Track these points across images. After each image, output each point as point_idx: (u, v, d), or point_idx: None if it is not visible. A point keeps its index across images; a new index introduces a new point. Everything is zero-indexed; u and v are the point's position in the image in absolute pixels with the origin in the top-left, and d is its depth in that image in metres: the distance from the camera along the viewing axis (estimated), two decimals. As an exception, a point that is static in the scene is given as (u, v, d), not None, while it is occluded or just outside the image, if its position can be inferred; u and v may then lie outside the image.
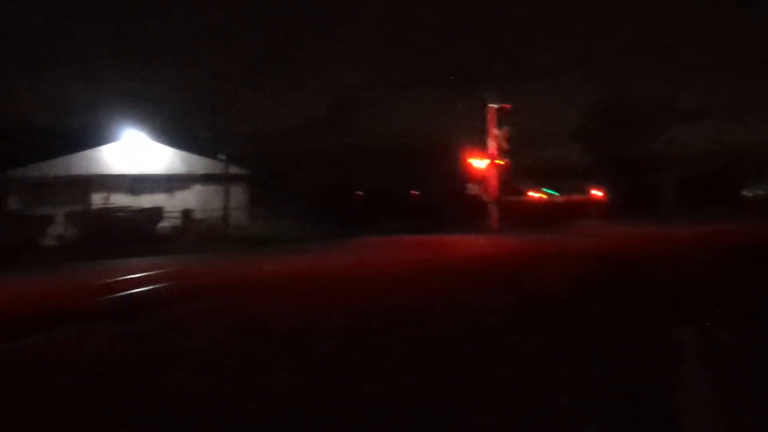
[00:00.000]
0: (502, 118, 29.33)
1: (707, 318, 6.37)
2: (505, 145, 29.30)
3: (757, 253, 13.47)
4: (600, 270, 11.01)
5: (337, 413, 4.10)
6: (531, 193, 40.99)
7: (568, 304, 7.69)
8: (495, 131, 29.25)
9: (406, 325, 6.69)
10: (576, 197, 42.60)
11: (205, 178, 33.33)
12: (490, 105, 29.28)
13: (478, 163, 29.79)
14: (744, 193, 49.36)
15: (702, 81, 45.14)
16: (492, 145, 29.25)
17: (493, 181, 29.21)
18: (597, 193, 39.28)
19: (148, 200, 30.26)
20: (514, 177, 30.83)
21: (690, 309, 6.95)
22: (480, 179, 29.73)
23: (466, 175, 30.39)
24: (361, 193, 43.46)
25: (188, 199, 32.83)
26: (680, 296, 7.98)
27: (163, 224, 27.17)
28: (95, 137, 33.33)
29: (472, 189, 29.65)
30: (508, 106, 29.40)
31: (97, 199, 29.61)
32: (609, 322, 6.46)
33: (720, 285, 8.83)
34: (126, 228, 23.68)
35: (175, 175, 33.11)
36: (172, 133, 35.15)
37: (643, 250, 14.91)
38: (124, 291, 10.34)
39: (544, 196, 44.32)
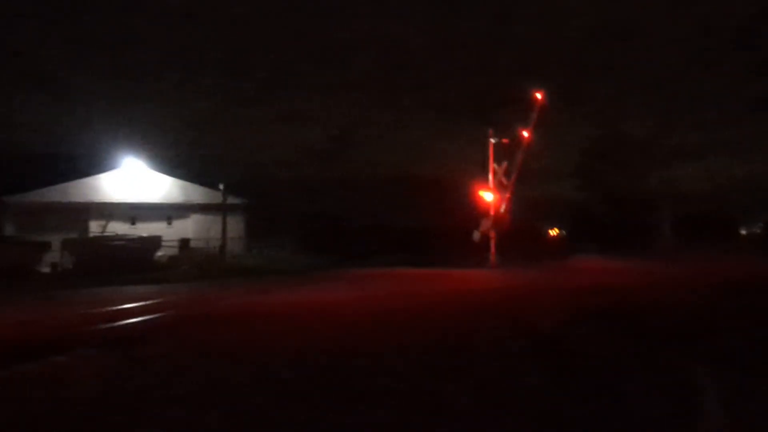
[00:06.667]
0: (502, 153, 29.51)
1: (722, 360, 6.27)
2: (504, 180, 29.42)
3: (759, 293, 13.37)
4: (604, 306, 10.92)
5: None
6: (531, 229, 41.01)
7: (574, 343, 7.59)
8: (494, 166, 29.41)
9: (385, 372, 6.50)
10: (573, 232, 42.69)
11: (203, 208, 33.35)
12: (490, 140, 29.48)
13: (488, 196, 29.67)
14: (741, 231, 49.55)
15: (698, 119, 45.64)
16: (492, 179, 29.37)
17: (493, 215, 29.21)
18: (594, 228, 39.38)
19: (145, 228, 30.20)
20: (514, 211, 30.83)
21: (702, 349, 6.86)
22: (483, 213, 29.75)
23: (474, 208, 30.30)
24: (356, 223, 43.38)
25: (186, 228, 32.80)
26: (690, 336, 7.88)
27: (161, 253, 27.04)
28: (95, 165, 33.46)
29: (476, 236, 29.48)
30: (506, 140, 29.61)
31: (95, 227, 29.55)
32: (621, 363, 6.35)
33: (728, 325, 8.73)
34: (123, 256, 23.54)
35: (173, 204, 33.14)
36: (171, 162, 35.30)
37: (646, 287, 14.81)
38: (119, 321, 10.23)
39: (552, 232, 44.44)
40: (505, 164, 29.44)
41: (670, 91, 47.76)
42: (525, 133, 29.53)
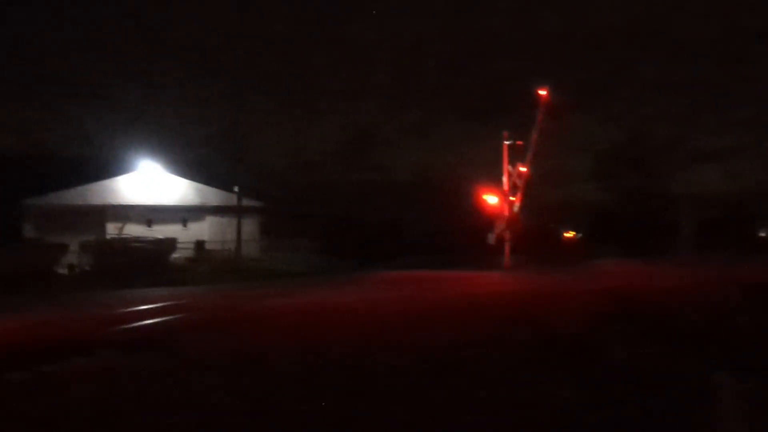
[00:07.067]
0: (516, 155, 29.36)
1: (741, 364, 6.15)
2: (518, 182, 29.26)
3: None
4: (622, 311, 10.78)
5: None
6: (547, 231, 40.71)
7: (594, 349, 7.48)
8: (508, 168, 29.27)
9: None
10: (592, 235, 42.36)
11: (219, 210, 33.42)
12: (504, 142, 29.34)
13: (491, 199, 29.66)
14: (760, 233, 48.83)
15: (718, 121, 45.21)
16: (506, 181, 29.25)
17: (506, 217, 29.05)
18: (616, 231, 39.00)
19: (161, 231, 30.32)
20: (528, 213, 30.64)
21: (721, 354, 6.74)
22: (494, 217, 29.59)
23: (480, 212, 30.25)
24: (372, 226, 43.16)
25: (201, 230, 32.89)
26: (710, 340, 7.74)
27: (176, 255, 27.16)
28: (112, 167, 33.74)
29: (491, 239, 29.35)
30: (520, 143, 29.42)
31: (112, 229, 29.72)
32: (640, 368, 6.24)
33: (745, 328, 8.58)
34: (139, 258, 23.66)
35: (188, 206, 33.26)
36: (187, 165, 35.51)
37: (667, 290, 14.61)
38: (138, 322, 10.26)
39: (567, 234, 44.15)
40: (518, 165, 29.31)
41: (692, 93, 47.42)
42: (533, 131, 29.40)
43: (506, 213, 29.09)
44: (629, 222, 38.90)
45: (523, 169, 29.00)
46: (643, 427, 4.33)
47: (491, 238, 29.29)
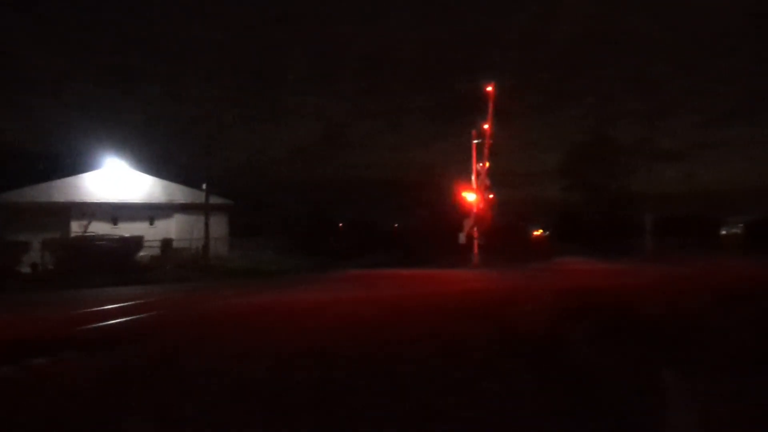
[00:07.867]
0: (484, 154, 29.68)
1: (693, 362, 6.32)
2: (486, 180, 29.58)
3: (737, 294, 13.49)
4: (581, 308, 10.98)
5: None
6: (515, 229, 41.19)
7: (551, 347, 7.63)
8: (477, 166, 29.57)
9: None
10: (558, 233, 43.00)
11: (186, 208, 33.10)
12: (473, 141, 29.65)
13: (471, 197, 29.87)
14: (722, 231, 50.11)
15: (682, 122, 46.19)
16: (474, 180, 29.53)
17: (474, 214, 29.35)
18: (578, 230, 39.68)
19: (127, 229, 29.93)
20: (497, 212, 31.01)
21: (676, 352, 6.91)
22: (466, 214, 29.89)
23: (458, 209, 30.52)
24: (341, 224, 43.21)
25: (168, 228, 32.55)
26: (665, 337, 7.94)
27: (143, 253, 26.84)
28: (77, 164, 33.17)
29: (462, 238, 29.62)
30: (489, 141, 29.77)
31: (77, 227, 29.23)
32: (594, 366, 6.40)
33: (703, 327, 8.81)
34: (105, 257, 23.34)
35: (155, 204, 32.87)
36: (154, 162, 35.06)
37: (628, 288, 14.91)
38: (100, 322, 10.15)
39: (536, 233, 44.83)
40: (488, 164, 29.65)
41: (656, 95, 48.40)
42: (485, 126, 29.81)
43: (474, 210, 29.40)
44: (595, 221, 39.61)
45: (479, 164, 29.43)
46: (596, 426, 4.44)
47: (462, 238, 29.57)
